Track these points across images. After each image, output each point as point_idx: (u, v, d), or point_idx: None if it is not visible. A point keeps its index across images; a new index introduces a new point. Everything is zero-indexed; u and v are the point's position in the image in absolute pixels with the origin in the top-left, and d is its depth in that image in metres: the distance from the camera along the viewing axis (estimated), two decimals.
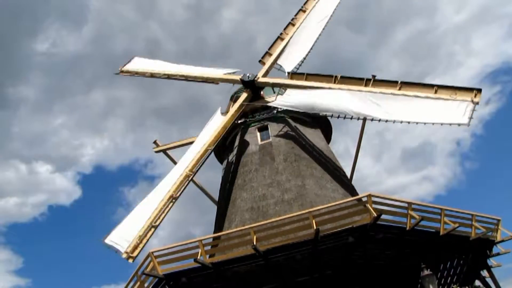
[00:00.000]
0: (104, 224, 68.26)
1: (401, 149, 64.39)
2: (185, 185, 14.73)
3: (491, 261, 14.50)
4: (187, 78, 20.08)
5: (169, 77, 20.43)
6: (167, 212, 13.86)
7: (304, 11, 20.47)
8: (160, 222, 13.53)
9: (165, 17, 65.29)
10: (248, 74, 18.18)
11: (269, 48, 19.70)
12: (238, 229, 12.30)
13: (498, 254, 14.24)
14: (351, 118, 15.00)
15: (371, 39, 64.52)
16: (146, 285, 12.38)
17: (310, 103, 15.72)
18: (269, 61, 19.09)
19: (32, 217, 64.13)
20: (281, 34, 19.89)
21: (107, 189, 74.95)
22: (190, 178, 14.96)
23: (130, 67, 21.73)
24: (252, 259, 11.55)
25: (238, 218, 14.59)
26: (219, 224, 15.69)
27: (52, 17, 64.64)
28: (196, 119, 63.67)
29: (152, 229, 13.16)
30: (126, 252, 12.23)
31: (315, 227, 10.77)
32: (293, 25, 20.11)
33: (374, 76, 18.28)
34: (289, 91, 17.00)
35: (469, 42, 60.96)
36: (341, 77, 15.72)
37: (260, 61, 19.56)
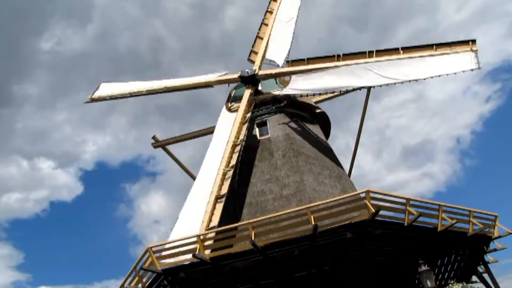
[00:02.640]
0: (106, 220, 68.51)
1: (401, 146, 64.61)
2: (227, 183, 13.97)
3: (488, 257, 14.58)
4: (168, 90, 19.48)
5: (149, 92, 19.55)
6: (218, 213, 12.87)
7: (271, 12, 21.42)
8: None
9: (169, 15, 65.33)
10: (246, 70, 18.19)
11: (253, 47, 20.28)
12: (237, 224, 12.32)
13: (495, 250, 14.32)
14: (360, 89, 15.82)
15: (373, 37, 64.56)
16: (144, 280, 12.41)
17: (320, 85, 15.90)
18: (258, 58, 19.36)
19: (33, 213, 64.29)
20: (258, 33, 20.64)
21: (109, 186, 74.87)
22: (229, 175, 14.22)
23: (100, 93, 20.37)
24: (250, 254, 11.56)
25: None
26: None
27: (57, 15, 64.80)
28: (198, 116, 63.70)
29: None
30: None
31: (313, 223, 10.79)
32: (266, 25, 20.88)
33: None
34: (294, 78, 17.02)
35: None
36: (344, 54, 16.03)
37: (248, 59, 19.95)
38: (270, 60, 19.01)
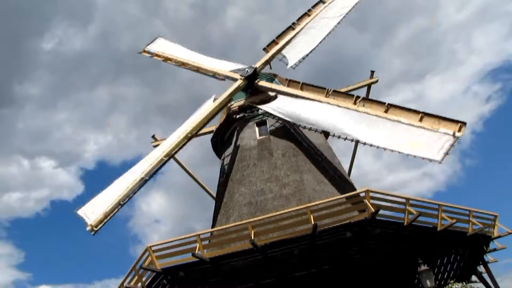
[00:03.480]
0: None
1: None
2: (157, 168, 15.16)
3: (488, 257, 14.58)
4: (198, 70, 19.97)
5: (183, 64, 20.50)
6: (136, 192, 14.51)
7: (324, 2, 20.68)
8: (128, 200, 14.24)
9: (170, 15, 65.37)
10: (246, 69, 18.16)
11: (277, 37, 19.69)
12: (236, 223, 12.31)
13: (495, 249, 14.31)
14: (333, 136, 14.65)
15: (374, 37, 64.63)
16: (144, 279, 12.40)
17: (297, 114, 15.47)
18: (274, 49, 19.06)
19: (34, 212, 64.34)
20: (293, 23, 19.93)
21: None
22: (163, 162, 15.31)
23: (152, 47, 22.22)
24: (250, 253, 11.57)
25: (236, 212, 14.59)
26: (217, 219, 15.71)
27: (59, 16, 64.91)
28: None
29: (119, 207, 13.84)
30: (91, 225, 13.04)
31: (313, 222, 10.78)
32: (308, 15, 20.15)
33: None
34: (282, 97, 16.85)
35: (470, 41, 61.10)
36: (333, 91, 15.61)
37: (264, 48, 19.51)
38: (283, 56, 18.80)
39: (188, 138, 16.08)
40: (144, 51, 22.26)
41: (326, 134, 19.49)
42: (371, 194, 11.08)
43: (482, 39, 59.37)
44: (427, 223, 11.89)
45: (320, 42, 18.67)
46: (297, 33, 19.52)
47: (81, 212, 13.65)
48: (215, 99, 17.53)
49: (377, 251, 12.35)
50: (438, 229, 11.61)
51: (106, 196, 14.23)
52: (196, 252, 11.30)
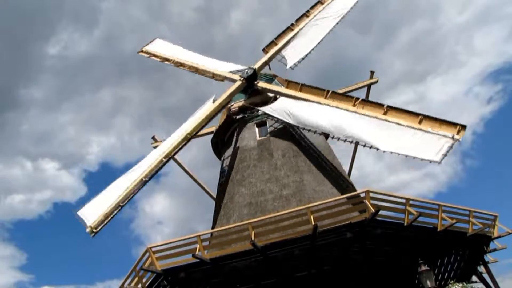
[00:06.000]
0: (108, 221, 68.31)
1: None
2: (157, 170, 15.08)
3: (488, 257, 14.58)
4: (197, 70, 20.03)
5: (181, 65, 20.52)
6: (136, 193, 14.41)
7: (322, 3, 20.64)
8: (127, 202, 14.02)
9: (174, 19, 65.50)
10: (246, 70, 18.15)
11: (276, 38, 19.67)
12: (236, 224, 12.31)
13: (495, 249, 14.31)
14: (333, 138, 14.70)
15: (376, 39, 64.78)
16: (144, 280, 12.39)
17: (297, 116, 15.52)
18: (272, 50, 19.06)
19: (37, 214, 64.33)
20: (292, 24, 19.93)
21: None
22: (163, 163, 15.26)
23: (150, 48, 22.31)
24: (250, 254, 11.57)
25: (236, 213, 14.59)
26: (217, 220, 15.70)
27: (65, 20, 65.17)
28: None
29: (119, 208, 13.73)
30: (90, 227, 12.91)
31: (313, 223, 10.79)
32: (307, 16, 20.14)
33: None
34: (282, 98, 16.85)
35: (471, 42, 61.24)
36: (332, 92, 15.61)
37: (263, 49, 19.51)
38: (283, 57, 18.83)
39: (188, 139, 16.04)
40: (142, 51, 22.33)
41: (326, 135, 19.52)
42: (371, 194, 11.09)
43: (483, 40, 59.61)
44: (427, 223, 11.91)
45: (319, 42, 18.72)
46: (296, 33, 19.51)
47: (81, 213, 13.56)
48: (214, 100, 17.51)
49: (377, 251, 12.35)
50: (438, 229, 11.62)
51: (105, 197, 14.14)
52: (197, 253, 11.29)
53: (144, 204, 70.27)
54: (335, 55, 62.67)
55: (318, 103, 15.51)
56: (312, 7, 20.59)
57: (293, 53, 18.71)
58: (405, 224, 11.25)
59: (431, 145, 12.15)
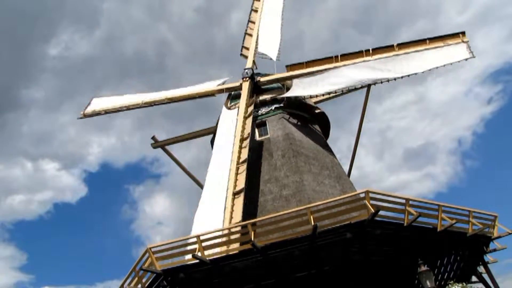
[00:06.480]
0: (109, 221, 68.55)
1: (403, 147, 64.87)
2: (242, 177, 13.88)
3: (488, 257, 14.58)
4: (172, 100, 19.66)
5: (147, 104, 19.79)
6: (239, 209, 12.87)
7: (256, 11, 22.39)
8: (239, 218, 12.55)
9: (175, 19, 65.58)
10: (246, 71, 18.24)
11: (243, 43, 21.05)
12: (237, 224, 12.30)
13: (494, 250, 14.31)
14: (370, 86, 15.96)
15: (376, 40, 64.95)
16: (144, 280, 12.37)
17: (321, 88, 16.02)
18: (250, 52, 19.88)
19: (37, 215, 64.28)
20: (246, 30, 21.53)
21: (113, 187, 74.82)
22: (243, 169, 14.14)
23: (89, 109, 20.33)
24: (250, 255, 11.54)
25: None
26: None
27: (65, 21, 65.29)
28: (203, 119, 64.28)
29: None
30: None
31: (313, 223, 10.78)
32: (253, 22, 21.72)
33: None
34: (295, 83, 17.07)
35: (471, 43, 61.04)
36: (342, 55, 16.33)
37: (241, 54, 20.49)
38: (263, 54, 19.36)
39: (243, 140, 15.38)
40: (84, 115, 20.17)
41: (326, 134, 19.55)
42: (371, 194, 11.08)
43: (484, 41, 59.64)
44: (427, 223, 11.90)
45: (281, 26, 20.21)
46: (258, 31, 20.61)
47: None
48: (230, 108, 17.79)
49: (377, 251, 12.34)
50: (438, 229, 11.62)
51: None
52: (196, 253, 11.28)
53: (144, 204, 70.34)
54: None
55: (334, 67, 16.41)
56: (251, 14, 22.42)
57: (268, 49, 19.31)
58: (405, 224, 11.24)
59: (453, 53, 14.80)
